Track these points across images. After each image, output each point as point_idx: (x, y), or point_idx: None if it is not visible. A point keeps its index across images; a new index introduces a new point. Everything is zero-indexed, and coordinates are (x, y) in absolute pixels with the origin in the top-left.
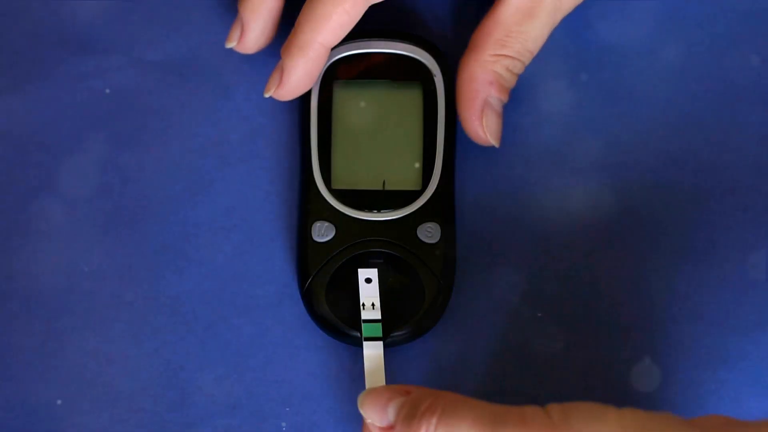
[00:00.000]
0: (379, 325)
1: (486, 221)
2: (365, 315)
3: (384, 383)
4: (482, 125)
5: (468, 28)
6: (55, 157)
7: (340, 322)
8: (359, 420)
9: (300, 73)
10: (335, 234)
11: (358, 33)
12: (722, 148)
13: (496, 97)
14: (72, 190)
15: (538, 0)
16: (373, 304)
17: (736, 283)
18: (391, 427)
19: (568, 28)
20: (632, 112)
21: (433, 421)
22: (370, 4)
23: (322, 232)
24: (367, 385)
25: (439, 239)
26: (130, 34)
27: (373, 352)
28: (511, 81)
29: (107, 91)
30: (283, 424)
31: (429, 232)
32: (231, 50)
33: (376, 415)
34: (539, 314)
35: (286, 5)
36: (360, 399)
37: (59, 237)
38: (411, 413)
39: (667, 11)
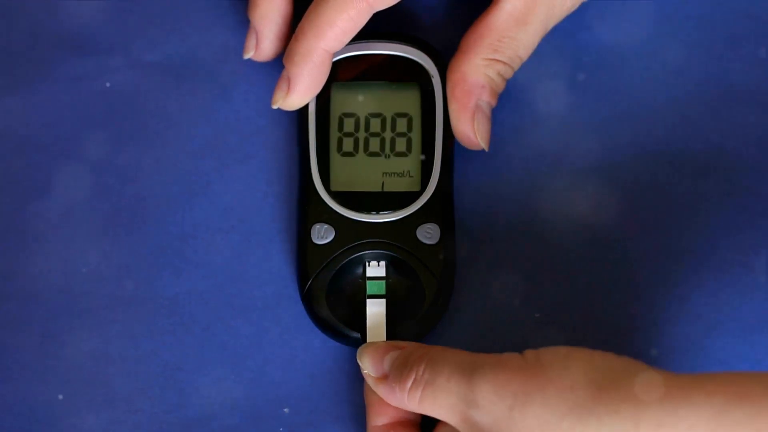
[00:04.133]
0: (383, 282)
1: (485, 222)
2: (370, 272)
3: (384, 340)
4: (474, 129)
5: (465, 30)
6: (54, 157)
7: (340, 324)
8: (358, 420)
9: (306, 81)
10: (335, 236)
11: (356, 35)
12: (721, 149)
13: (486, 102)
14: (70, 191)
15: (531, 7)
16: (378, 261)
17: (734, 285)
18: (386, 376)
19: (567, 28)
20: (630, 114)
21: (422, 366)
22: (374, 11)
23: (322, 234)
24: (368, 341)
25: (439, 240)
26: (128, 35)
27: (375, 309)
28: (500, 86)
29: (107, 84)
30: (281, 429)
31: (428, 233)
32: (229, 51)
33: (373, 366)
34: (537, 315)
35: (296, 8)
36: (359, 351)
37: (57, 238)
38: (403, 362)
39: (666, 12)
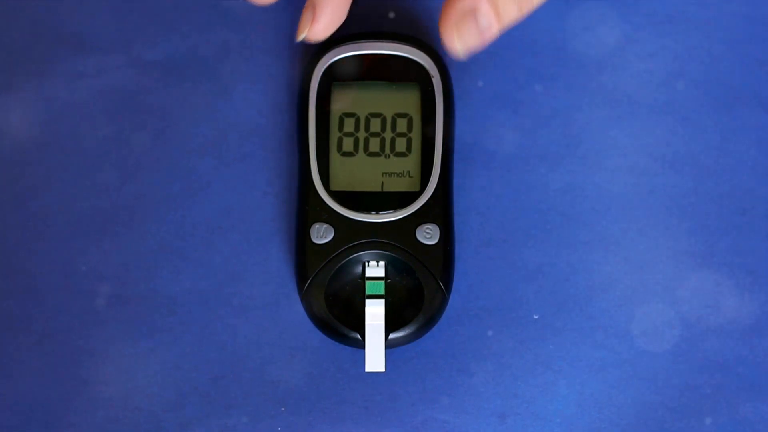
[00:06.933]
0: (382, 283)
1: (485, 222)
2: (369, 272)
3: (383, 341)
4: (456, 32)
5: None
6: (53, 156)
7: (339, 324)
8: (356, 420)
9: (332, 6)
10: (334, 236)
11: (357, 35)
12: (720, 151)
13: (485, 14)
14: (70, 189)
15: None
16: (377, 261)
17: (733, 287)
18: None
19: (567, 28)
20: (631, 115)
21: None
22: None
23: (321, 234)
24: (367, 343)
25: (438, 240)
26: (129, 34)
27: (374, 309)
28: (509, 8)
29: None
30: (279, 429)
31: (428, 233)
32: (229, 50)
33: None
34: (536, 316)
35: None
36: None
37: (57, 236)
38: None
39: (666, 14)
